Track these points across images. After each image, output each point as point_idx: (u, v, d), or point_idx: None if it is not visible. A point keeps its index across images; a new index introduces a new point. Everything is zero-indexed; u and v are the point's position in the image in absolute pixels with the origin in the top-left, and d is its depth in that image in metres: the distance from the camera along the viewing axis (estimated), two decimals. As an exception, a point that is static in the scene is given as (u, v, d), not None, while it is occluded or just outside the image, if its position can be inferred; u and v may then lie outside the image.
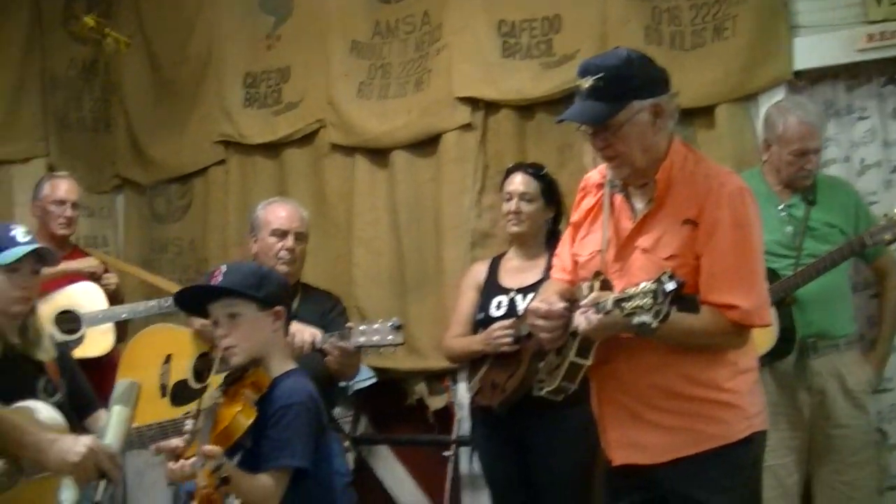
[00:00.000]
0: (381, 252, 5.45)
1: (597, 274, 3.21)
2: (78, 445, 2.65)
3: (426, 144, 5.38)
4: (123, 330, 5.31)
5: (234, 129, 5.97)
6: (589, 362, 3.21)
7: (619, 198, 3.36)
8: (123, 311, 5.19)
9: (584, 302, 3.10)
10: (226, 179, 6.00)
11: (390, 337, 4.28)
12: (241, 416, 3.00)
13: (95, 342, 5.11)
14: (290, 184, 5.72)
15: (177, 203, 6.28)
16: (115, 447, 2.75)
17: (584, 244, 3.46)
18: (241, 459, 3.09)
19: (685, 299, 2.85)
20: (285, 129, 5.79)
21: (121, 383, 2.89)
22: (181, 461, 2.90)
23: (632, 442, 3.29)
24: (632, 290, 2.85)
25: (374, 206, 5.48)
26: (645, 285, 2.81)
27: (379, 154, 5.50)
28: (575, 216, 3.56)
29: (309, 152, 5.74)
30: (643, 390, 3.24)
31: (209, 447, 2.87)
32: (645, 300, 2.78)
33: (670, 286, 2.73)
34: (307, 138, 5.74)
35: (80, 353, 4.93)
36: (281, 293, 3.29)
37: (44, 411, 3.34)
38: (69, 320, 5.11)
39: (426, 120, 5.34)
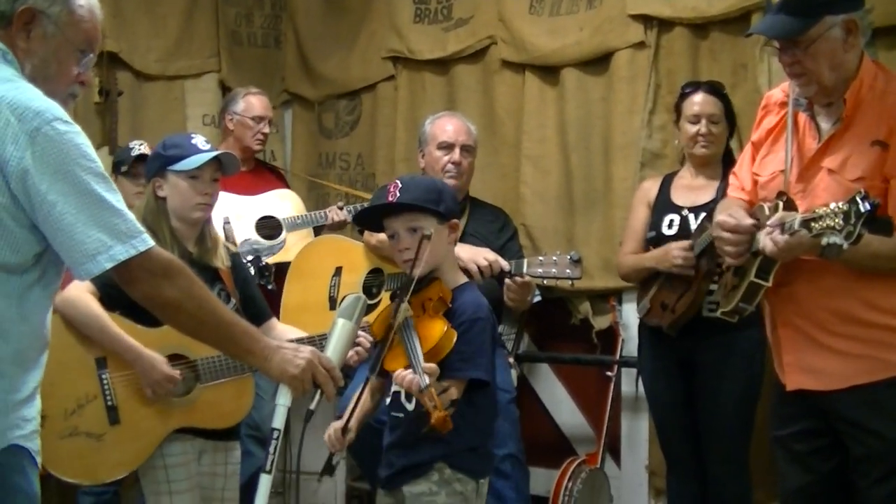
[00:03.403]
0: (550, 170, 5.40)
1: (780, 194, 3.15)
2: (298, 359, 2.69)
3: (597, 62, 5.28)
4: None
5: (404, 45, 5.97)
6: (769, 284, 3.17)
7: (803, 117, 3.29)
8: (320, 215, 5.28)
9: (770, 221, 3.04)
10: (395, 95, 6.01)
11: (568, 271, 4.28)
12: (449, 332, 3.04)
13: (294, 247, 5.18)
14: (459, 100, 5.70)
15: (345, 118, 6.33)
16: (334, 360, 2.80)
17: (764, 164, 3.41)
18: None
19: (878, 221, 2.77)
20: (455, 46, 5.75)
21: (348, 297, 2.94)
22: (408, 375, 2.95)
23: (807, 367, 3.25)
24: (821, 210, 2.79)
25: (544, 125, 5.43)
26: (836, 205, 2.74)
27: (549, 71, 5.43)
28: (755, 135, 3.51)
29: (479, 69, 5.71)
30: (822, 315, 3.19)
31: (429, 365, 2.93)
32: (836, 220, 2.71)
33: (865, 207, 2.66)
34: (477, 55, 5.70)
35: (280, 257, 5.08)
36: (456, 206, 3.33)
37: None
38: (270, 226, 5.22)
39: (598, 38, 5.24)
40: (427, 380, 2.89)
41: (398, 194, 3.19)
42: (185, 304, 2.57)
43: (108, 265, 2.40)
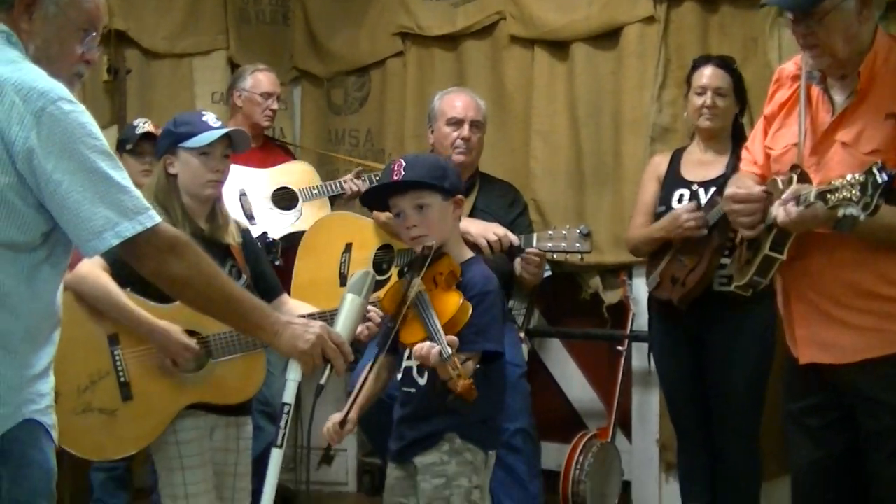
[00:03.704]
0: (560, 145, 5.39)
1: (794, 167, 3.14)
2: (308, 334, 2.69)
3: (607, 37, 5.27)
4: None
5: (413, 21, 5.94)
6: (783, 257, 3.16)
7: (816, 90, 3.27)
8: (335, 185, 5.27)
9: (784, 194, 3.03)
10: (404, 72, 5.99)
11: (577, 244, 4.27)
12: (465, 304, 3.06)
13: (311, 217, 5.19)
14: (468, 76, 5.68)
15: (354, 95, 6.30)
16: (343, 335, 2.80)
17: (777, 137, 3.39)
18: None
19: (893, 193, 2.73)
20: (464, 21, 5.73)
21: (357, 273, 2.94)
22: (427, 345, 2.97)
23: (820, 341, 3.24)
24: (838, 182, 2.77)
25: (553, 100, 5.42)
26: (853, 177, 2.72)
27: (559, 47, 5.42)
28: (767, 109, 3.48)
29: (488, 44, 5.69)
30: (835, 288, 3.18)
31: (451, 337, 2.95)
32: (853, 192, 2.69)
33: (882, 178, 2.64)
34: (486, 30, 5.68)
35: (297, 227, 5.10)
36: (459, 183, 3.36)
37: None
38: (286, 197, 5.21)
39: (607, 12, 5.24)
40: (449, 349, 2.90)
41: (402, 172, 3.22)
42: (192, 280, 2.56)
43: (115, 242, 2.39)
